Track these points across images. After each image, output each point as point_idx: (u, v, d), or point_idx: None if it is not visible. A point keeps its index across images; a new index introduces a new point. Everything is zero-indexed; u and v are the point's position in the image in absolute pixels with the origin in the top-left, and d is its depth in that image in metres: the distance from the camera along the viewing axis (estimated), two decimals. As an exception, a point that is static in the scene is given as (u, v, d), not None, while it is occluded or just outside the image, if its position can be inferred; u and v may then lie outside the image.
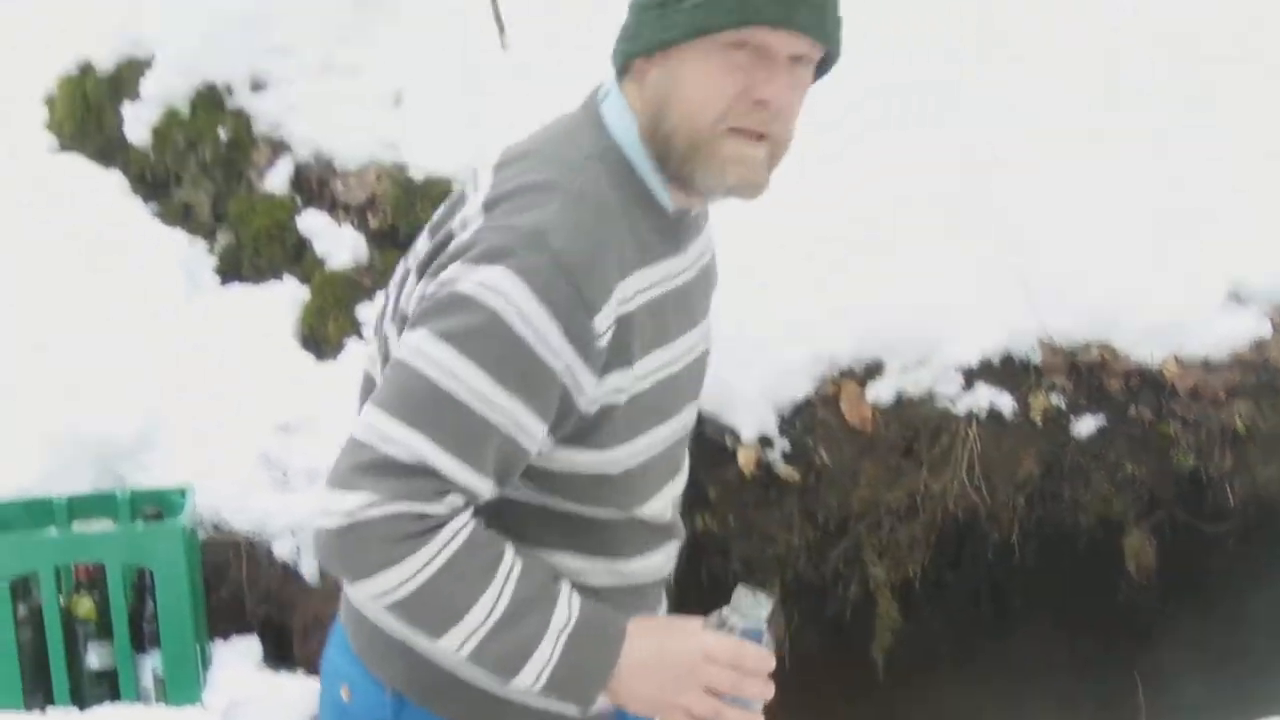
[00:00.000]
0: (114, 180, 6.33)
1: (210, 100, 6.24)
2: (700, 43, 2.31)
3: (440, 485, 2.23)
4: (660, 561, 2.66)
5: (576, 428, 2.36)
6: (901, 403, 5.13)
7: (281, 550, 5.27)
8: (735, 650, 2.29)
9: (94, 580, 4.90)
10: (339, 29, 6.28)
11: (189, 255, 6.05)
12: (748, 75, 2.31)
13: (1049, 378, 5.12)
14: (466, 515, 2.28)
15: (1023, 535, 5.21)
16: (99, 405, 5.42)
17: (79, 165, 6.33)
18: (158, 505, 5.06)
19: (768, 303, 5.07)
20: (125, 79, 6.39)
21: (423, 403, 2.24)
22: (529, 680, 2.30)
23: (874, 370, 5.17)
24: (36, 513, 5.08)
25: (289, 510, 5.31)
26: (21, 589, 4.86)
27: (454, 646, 2.28)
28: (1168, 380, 5.09)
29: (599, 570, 2.52)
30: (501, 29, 6.12)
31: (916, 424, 5.12)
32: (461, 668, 2.42)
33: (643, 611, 2.55)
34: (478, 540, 2.28)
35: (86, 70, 6.50)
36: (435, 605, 2.26)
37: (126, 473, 5.38)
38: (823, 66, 2.43)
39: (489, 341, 2.23)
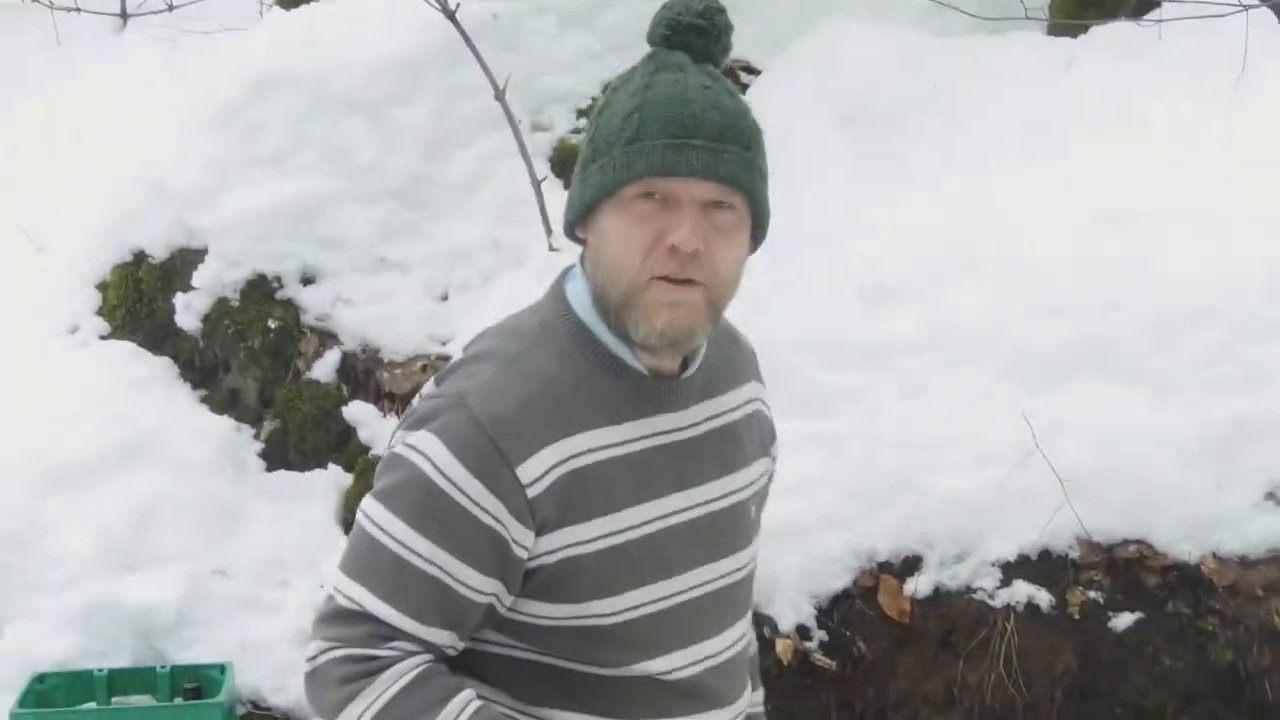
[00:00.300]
0: (163, 366, 6.39)
1: (260, 291, 6.34)
2: (611, 201, 2.42)
3: (382, 630, 2.39)
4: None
5: (542, 580, 2.46)
6: (940, 596, 5.14)
7: (319, 728, 5.25)
8: None
9: (133, 755, 4.91)
10: (388, 225, 6.39)
11: (235, 441, 6.11)
12: (659, 223, 2.39)
13: (1087, 573, 5.12)
14: (417, 660, 2.40)
15: (1061, 730, 5.18)
16: (141, 581, 5.47)
17: (129, 350, 6.40)
18: (197, 681, 5.10)
19: (806, 493, 5.11)
20: (178, 268, 6.49)
21: (361, 555, 2.45)
22: None
23: (912, 564, 5.18)
24: (77, 686, 5.12)
25: (328, 691, 5.30)
26: (60, 762, 4.86)
27: None
28: (1205, 576, 5.08)
29: None
30: (549, 229, 6.22)
31: (954, 617, 5.13)
32: None
33: None
34: (426, 682, 2.39)
35: (140, 258, 6.60)
36: None
37: (167, 649, 5.40)
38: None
39: (411, 494, 2.41)
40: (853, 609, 5.17)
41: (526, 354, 2.50)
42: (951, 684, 5.11)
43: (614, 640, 2.50)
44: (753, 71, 7.53)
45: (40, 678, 5.10)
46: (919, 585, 5.15)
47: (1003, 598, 5.13)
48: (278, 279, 6.35)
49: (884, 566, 5.21)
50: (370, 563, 2.42)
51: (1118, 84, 7.16)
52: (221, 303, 6.38)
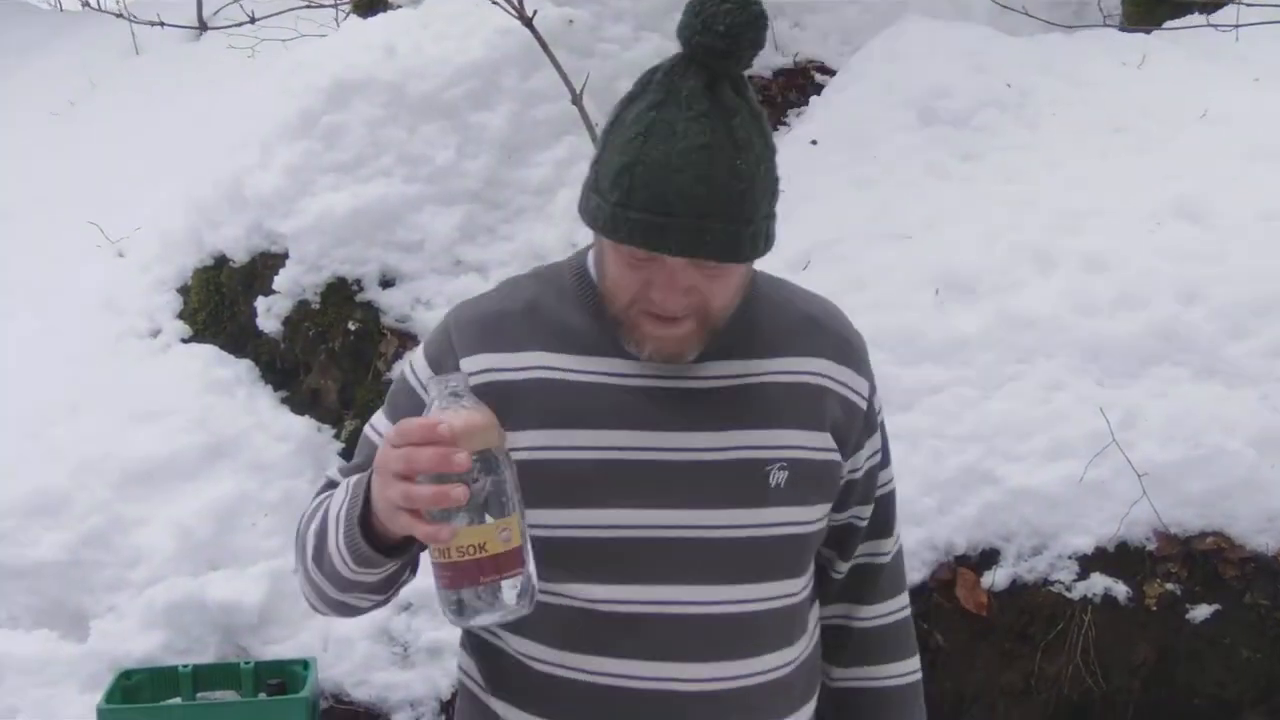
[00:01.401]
0: (244, 368, 6.47)
1: (340, 293, 6.41)
2: (617, 247, 2.43)
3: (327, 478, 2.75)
4: (659, 673, 2.55)
5: None
6: (1017, 588, 5.14)
7: (401, 722, 5.32)
8: (399, 429, 2.23)
9: (218, 748, 4.96)
10: (466, 227, 6.45)
11: (316, 441, 6.17)
12: (647, 273, 2.42)
13: (1164, 565, 5.11)
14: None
15: (1137, 718, 5.16)
16: (224, 579, 5.53)
17: (211, 353, 6.49)
18: (280, 677, 5.13)
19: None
20: (259, 272, 6.57)
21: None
22: (331, 537, 2.45)
23: (990, 557, 5.19)
24: (162, 682, 5.16)
25: (409, 686, 5.37)
26: (147, 755, 4.91)
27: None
28: (1283, 568, 5.08)
29: (553, 660, 2.58)
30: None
31: (1032, 609, 5.13)
32: None
33: None
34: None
35: (221, 263, 6.68)
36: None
37: (250, 645, 5.46)
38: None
39: (391, 391, 2.70)
40: (930, 602, 5.18)
41: (523, 282, 2.70)
42: (1029, 676, 5.11)
43: (547, 556, 2.45)
44: (827, 71, 7.56)
45: (126, 674, 5.15)
46: (996, 578, 5.15)
47: (1080, 590, 5.11)
48: (357, 282, 6.42)
49: (961, 560, 5.21)
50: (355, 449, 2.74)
51: (1191, 80, 7.15)
52: (302, 305, 6.46)
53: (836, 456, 2.67)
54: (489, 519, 2.20)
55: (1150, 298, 5.61)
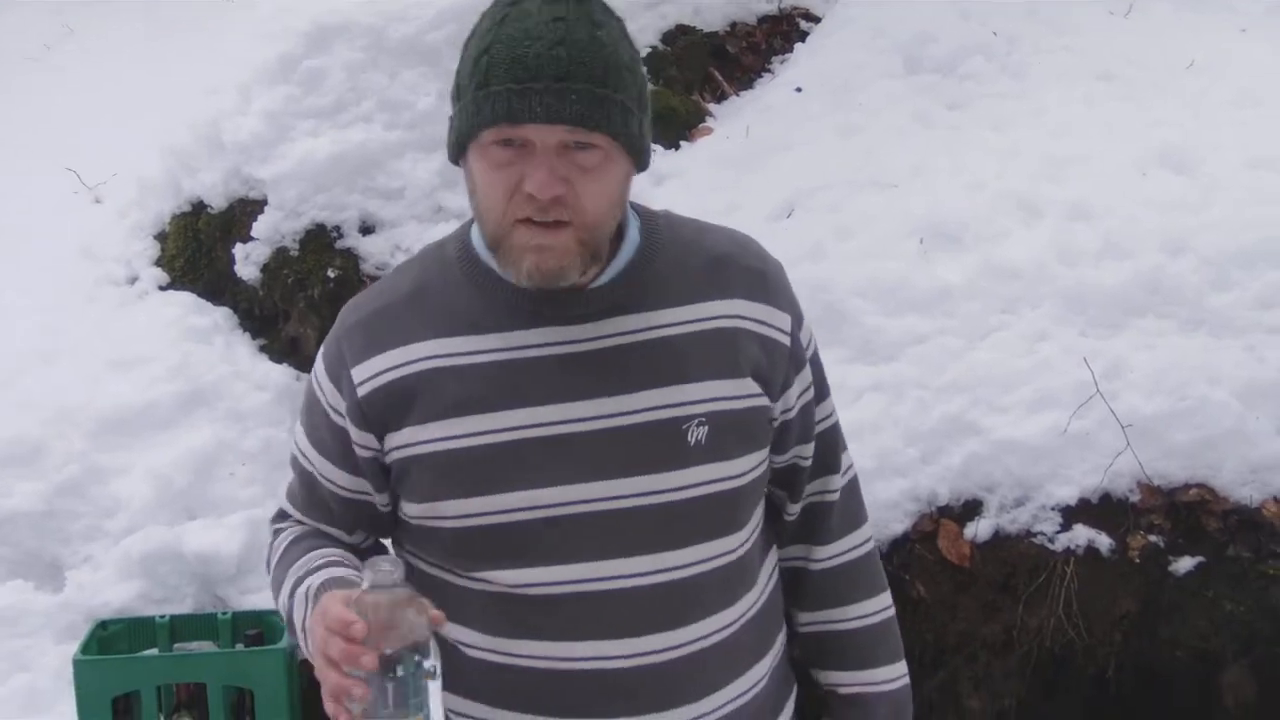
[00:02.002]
0: (223, 315, 6.42)
1: (320, 240, 6.35)
2: (474, 144, 2.39)
3: (281, 514, 2.84)
4: (586, 653, 2.52)
5: (396, 476, 2.55)
6: (999, 540, 5.11)
7: (380, 673, 5.27)
8: (323, 609, 2.27)
9: (195, 699, 4.95)
10: (447, 174, 6.38)
11: (294, 390, 6.11)
12: (518, 168, 2.34)
13: (1147, 517, 5.09)
14: (289, 530, 2.76)
15: (1119, 670, 5.15)
16: (201, 528, 5.49)
17: (188, 300, 6.43)
18: (258, 627, 5.10)
19: (866, 438, 5.09)
20: (237, 219, 6.51)
21: None
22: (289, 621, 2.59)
23: (972, 508, 5.16)
24: (139, 633, 5.15)
25: (388, 636, 5.32)
26: (124, 706, 4.90)
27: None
28: (1267, 520, 5.04)
29: (483, 645, 2.57)
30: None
31: (1014, 561, 5.10)
32: None
33: (595, 709, 2.54)
34: (290, 543, 2.70)
35: (199, 209, 6.62)
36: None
37: (228, 595, 5.43)
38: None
39: (303, 399, 2.71)
40: (912, 553, 5.15)
41: (407, 267, 2.67)
42: (1011, 628, 5.08)
43: (462, 545, 2.50)
44: (812, 18, 7.52)
45: (102, 624, 5.12)
46: (979, 529, 5.12)
47: (1063, 542, 5.08)
48: (337, 229, 6.37)
49: (944, 511, 5.18)
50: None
51: (1179, 29, 7.14)
52: (281, 252, 6.39)
53: (763, 400, 2.60)
54: (396, 711, 2.24)
55: (1136, 248, 5.60)
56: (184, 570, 5.44)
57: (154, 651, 5.09)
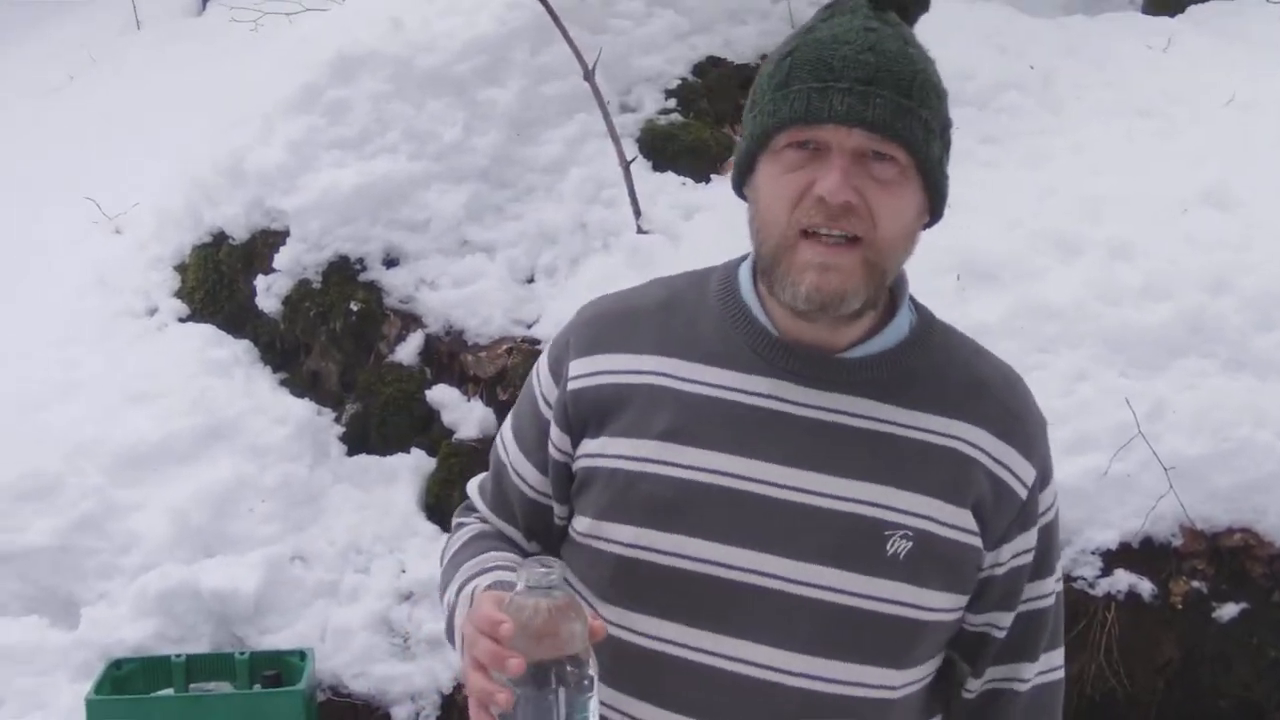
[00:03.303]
0: (243, 349, 6.34)
1: (343, 273, 6.24)
2: (765, 153, 2.27)
3: (470, 504, 2.71)
4: None
5: (577, 487, 2.43)
6: (1039, 585, 5.03)
7: (400, 716, 5.22)
8: (476, 609, 2.13)
9: (211, 741, 4.86)
10: (473, 207, 6.30)
11: (316, 425, 6.03)
12: (810, 173, 2.22)
13: (1190, 562, 5.02)
14: (473, 525, 2.65)
15: (1161, 719, 5.06)
16: (219, 566, 5.42)
17: (209, 333, 6.35)
18: (276, 668, 5.04)
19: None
20: (259, 250, 6.42)
21: None
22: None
23: (1012, 554, 5.07)
24: (154, 673, 5.06)
25: (409, 678, 5.26)
26: (137, 747, 4.81)
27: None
28: (1312, 566, 4.98)
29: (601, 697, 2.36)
30: (637, 211, 6.12)
31: (1052, 606, 5.02)
32: None
33: None
34: (469, 540, 2.58)
35: (220, 240, 6.53)
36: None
37: (246, 635, 5.35)
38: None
39: (523, 390, 2.59)
40: (949, 599, 5.06)
41: (663, 281, 2.52)
42: (1051, 675, 4.99)
43: (624, 575, 2.34)
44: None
45: (117, 664, 5.03)
46: (1019, 575, 5.02)
47: (1103, 587, 5.02)
48: (360, 261, 6.26)
49: (985, 557, 5.09)
50: None
51: (1218, 65, 7.08)
52: (303, 285, 6.29)
53: (976, 541, 2.35)
54: None
55: (1177, 287, 5.52)
56: (201, 609, 5.35)
57: (169, 692, 5.01)
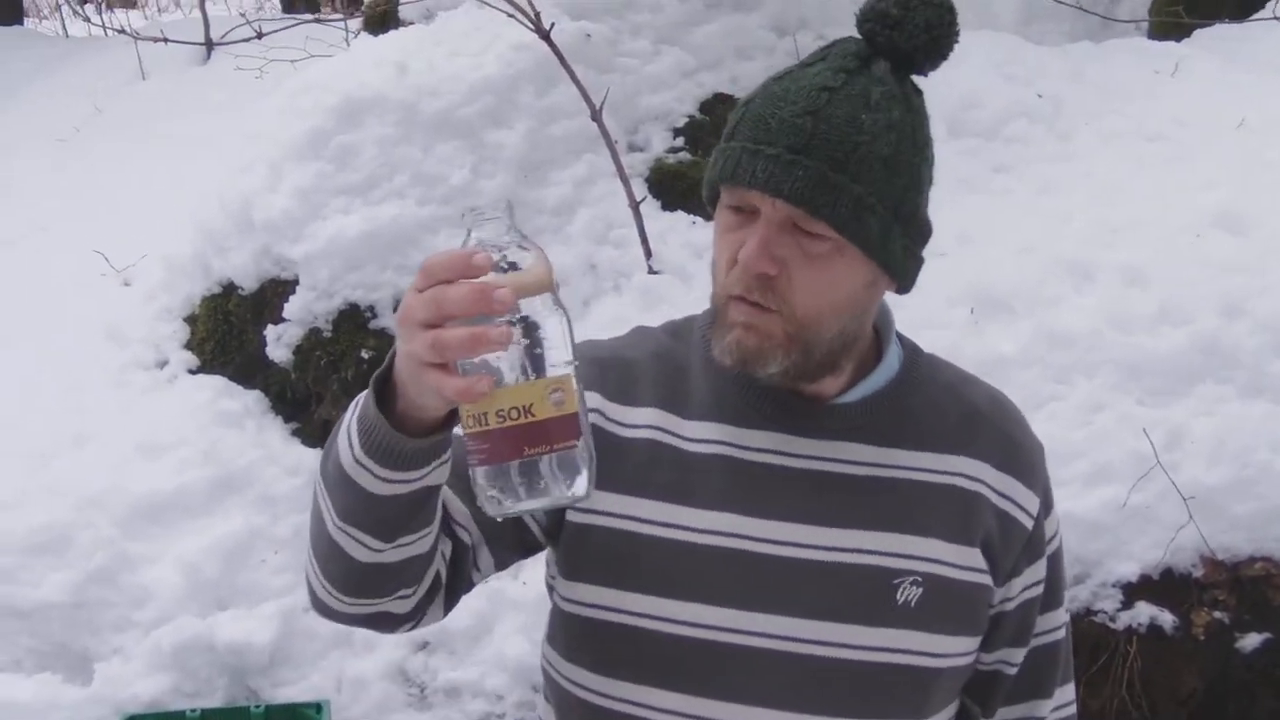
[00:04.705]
0: (254, 399, 6.31)
1: (353, 321, 6.22)
2: (718, 206, 2.21)
3: None
4: None
5: (565, 544, 2.29)
6: (1059, 619, 4.99)
7: (418, 766, 5.18)
8: (425, 267, 1.81)
9: (228, 796, 4.83)
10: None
11: (327, 473, 6.00)
12: (740, 236, 2.14)
13: (1212, 593, 4.97)
14: None
15: (1186, 753, 5.03)
16: (233, 619, 5.39)
17: (219, 384, 6.32)
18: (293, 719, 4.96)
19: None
20: (268, 300, 6.39)
21: None
22: (346, 452, 2.02)
23: (1031, 588, 5.04)
24: (169, 727, 5.01)
25: (427, 728, 5.23)
26: (152, 804, 4.78)
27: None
28: (1335, 594, 4.93)
29: None
30: (648, 251, 6.10)
31: (1075, 640, 4.92)
32: None
33: None
34: None
35: (230, 290, 6.51)
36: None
37: (261, 688, 5.34)
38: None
39: None
40: (968, 634, 5.01)
41: (653, 332, 2.43)
42: (1073, 710, 4.95)
43: (616, 646, 2.24)
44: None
45: (131, 719, 4.98)
46: (1039, 610, 4.98)
47: (1124, 620, 4.97)
48: (370, 308, 6.23)
49: (1004, 593, 5.05)
50: None
51: (1226, 88, 7.06)
52: (313, 333, 6.26)
53: (986, 579, 2.30)
54: (535, 377, 1.80)
55: (1192, 312, 5.47)
56: (215, 662, 5.33)
57: (185, 746, 4.96)
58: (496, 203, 1.85)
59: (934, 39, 2.19)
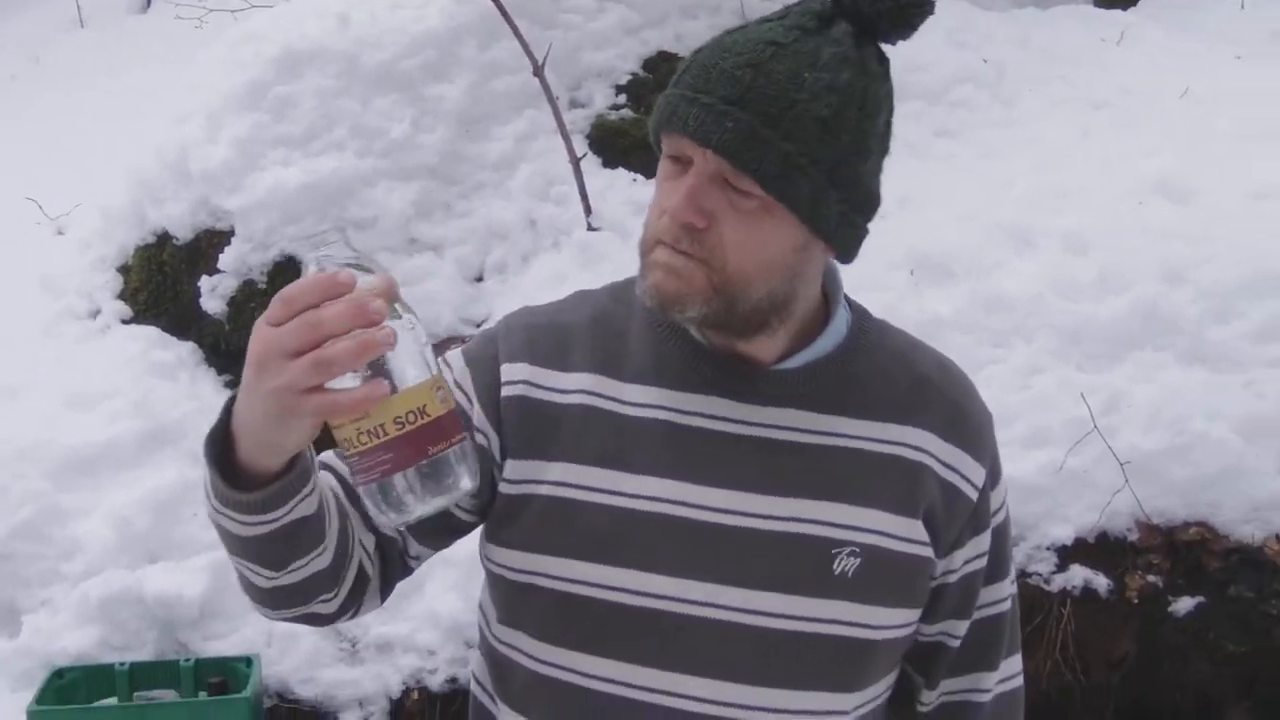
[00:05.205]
0: (187, 351, 6.26)
1: (289, 273, 6.11)
2: (660, 160, 2.18)
3: None
4: None
5: (499, 513, 2.26)
6: (994, 582, 5.01)
7: (349, 721, 5.15)
8: (281, 299, 1.78)
9: (155, 751, 4.78)
10: (421, 204, 6.24)
11: (262, 426, 5.96)
12: (675, 186, 2.12)
13: (1146, 556, 4.99)
14: None
15: (1117, 714, 5.07)
16: (163, 572, 5.34)
17: (152, 335, 6.27)
18: (222, 674, 4.95)
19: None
20: (204, 251, 6.33)
21: None
22: (206, 502, 2.00)
23: (966, 551, 5.05)
24: (97, 681, 4.98)
25: (357, 683, 5.18)
26: (79, 759, 4.74)
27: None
28: (1269, 559, 4.95)
29: None
30: (588, 208, 6.07)
31: (1009, 603, 5.00)
32: None
33: None
34: None
35: (164, 240, 6.44)
36: None
37: (190, 641, 5.28)
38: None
39: None
40: (903, 596, 5.03)
41: (594, 296, 2.39)
42: (1006, 671, 4.97)
43: (564, 614, 2.22)
44: (796, 45, 7.42)
45: (59, 672, 4.94)
46: (972, 572, 5.00)
47: (1059, 582, 4.99)
48: (307, 260, 6.17)
49: (939, 554, 5.06)
50: None
51: (1172, 57, 7.09)
52: (248, 285, 6.21)
53: (927, 552, 2.27)
54: (417, 379, 1.80)
55: (1133, 279, 5.50)
56: (145, 615, 5.25)
57: (113, 701, 4.91)
58: (331, 229, 1.85)
59: (901, 8, 2.14)
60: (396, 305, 1.79)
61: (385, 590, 2.29)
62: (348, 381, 1.76)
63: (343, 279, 1.74)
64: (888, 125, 2.20)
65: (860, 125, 2.12)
